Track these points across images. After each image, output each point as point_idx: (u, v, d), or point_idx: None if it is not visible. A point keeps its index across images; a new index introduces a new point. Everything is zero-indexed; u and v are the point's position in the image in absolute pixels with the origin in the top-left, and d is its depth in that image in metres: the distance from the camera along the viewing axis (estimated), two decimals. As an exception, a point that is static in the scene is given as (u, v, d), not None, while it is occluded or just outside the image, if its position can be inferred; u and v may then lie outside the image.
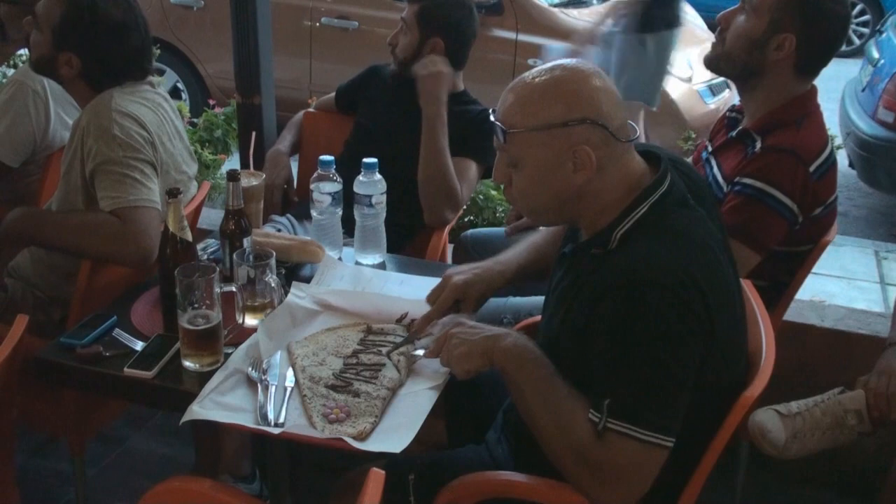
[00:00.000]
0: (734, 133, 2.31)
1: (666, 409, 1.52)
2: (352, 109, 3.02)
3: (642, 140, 1.62)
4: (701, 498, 1.70)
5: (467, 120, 2.75)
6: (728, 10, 2.28)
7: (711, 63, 2.34)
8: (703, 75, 5.34)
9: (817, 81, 2.31)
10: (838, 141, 4.62)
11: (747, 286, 1.95)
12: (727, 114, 2.42)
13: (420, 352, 1.83)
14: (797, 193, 2.14)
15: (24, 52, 3.36)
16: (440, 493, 1.70)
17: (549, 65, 1.65)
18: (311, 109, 3.19)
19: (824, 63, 2.25)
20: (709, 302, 1.53)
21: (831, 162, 2.25)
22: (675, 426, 1.53)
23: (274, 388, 1.73)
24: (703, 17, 5.96)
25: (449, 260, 2.87)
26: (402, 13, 2.80)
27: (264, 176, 2.37)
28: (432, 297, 1.95)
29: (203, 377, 1.77)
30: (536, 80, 1.62)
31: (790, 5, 2.16)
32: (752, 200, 2.13)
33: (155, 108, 2.32)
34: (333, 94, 3.13)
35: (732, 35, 2.24)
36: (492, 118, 1.66)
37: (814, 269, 2.41)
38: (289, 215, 2.79)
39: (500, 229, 2.88)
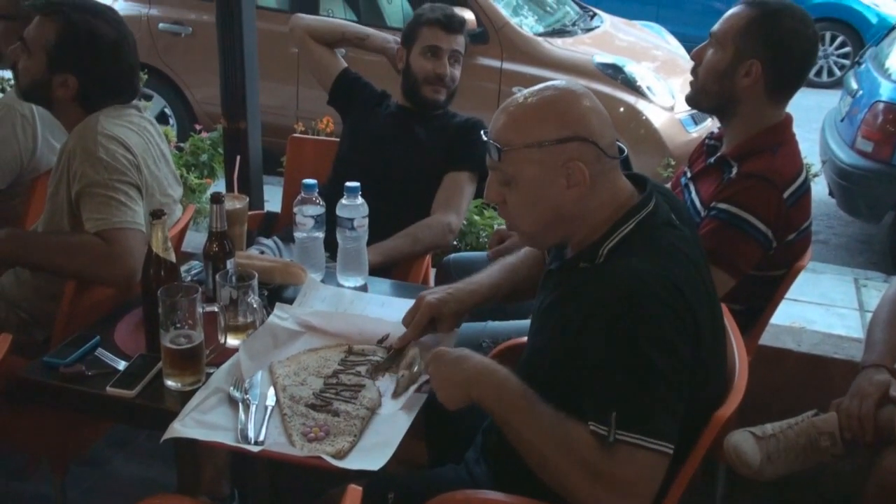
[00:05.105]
0: (712, 160, 2.36)
1: (668, 416, 1.53)
2: (340, 104, 3.01)
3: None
4: (680, 519, 1.71)
5: (453, 131, 2.80)
6: (699, 46, 2.34)
7: (691, 101, 2.41)
8: (686, 104, 5.39)
9: (798, 112, 2.35)
10: (815, 169, 4.68)
11: (723, 309, 1.98)
12: (706, 141, 2.47)
13: (425, 377, 1.81)
14: (771, 219, 2.18)
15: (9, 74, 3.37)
16: (419, 511, 1.71)
17: (539, 86, 1.69)
18: (296, 135, 3.20)
19: (796, 84, 2.30)
20: (695, 311, 1.57)
21: (805, 189, 2.29)
22: (676, 433, 1.54)
23: (255, 407, 1.75)
24: (685, 47, 6.04)
25: (432, 283, 2.90)
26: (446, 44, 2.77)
27: (248, 199, 2.39)
28: (407, 319, 1.98)
29: (185, 396, 1.78)
30: (529, 100, 1.67)
31: (751, 32, 2.22)
32: (727, 225, 2.17)
33: (140, 131, 2.34)
34: (340, 66, 3.03)
35: (703, 70, 2.31)
36: (484, 138, 1.69)
37: (794, 296, 2.43)
38: (275, 238, 2.80)
39: (483, 253, 2.91)
